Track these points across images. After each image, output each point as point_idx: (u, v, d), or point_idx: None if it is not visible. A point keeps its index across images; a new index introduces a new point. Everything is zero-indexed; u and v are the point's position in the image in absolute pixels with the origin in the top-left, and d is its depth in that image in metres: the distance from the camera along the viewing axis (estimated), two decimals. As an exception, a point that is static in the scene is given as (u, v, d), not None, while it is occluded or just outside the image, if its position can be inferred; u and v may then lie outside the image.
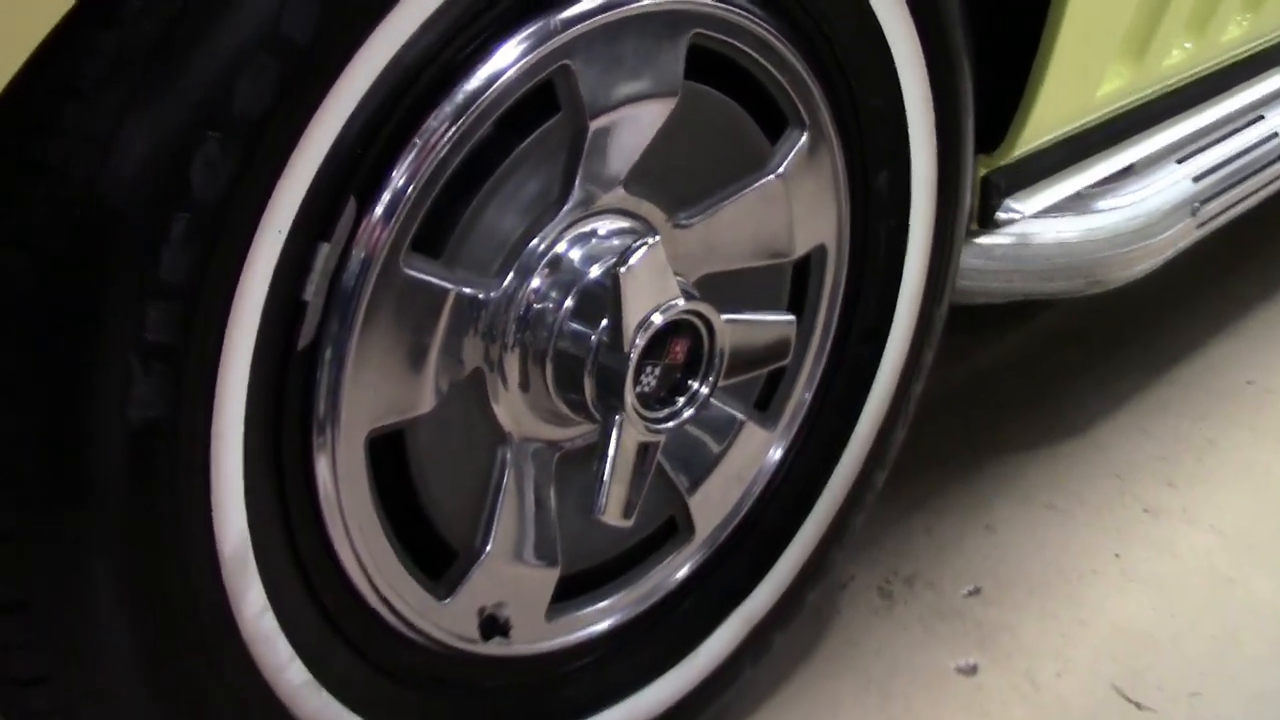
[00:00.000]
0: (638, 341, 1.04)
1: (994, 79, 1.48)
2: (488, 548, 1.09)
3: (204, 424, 0.84)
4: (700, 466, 1.26)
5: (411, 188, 0.94)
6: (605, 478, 1.07)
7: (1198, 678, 1.48)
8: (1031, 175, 1.64)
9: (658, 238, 1.03)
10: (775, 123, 1.20)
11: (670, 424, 1.10)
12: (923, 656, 1.51)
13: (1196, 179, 1.86)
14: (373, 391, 0.96)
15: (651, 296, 1.04)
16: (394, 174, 0.93)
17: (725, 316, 1.12)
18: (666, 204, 1.13)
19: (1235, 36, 1.87)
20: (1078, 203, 1.73)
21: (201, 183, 0.79)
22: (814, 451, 1.36)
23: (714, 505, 1.28)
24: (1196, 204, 1.85)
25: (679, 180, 1.14)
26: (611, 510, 1.07)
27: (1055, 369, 2.13)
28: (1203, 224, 1.88)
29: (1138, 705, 1.44)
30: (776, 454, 1.33)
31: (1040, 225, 1.68)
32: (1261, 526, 1.75)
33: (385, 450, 1.02)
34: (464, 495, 1.08)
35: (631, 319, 1.03)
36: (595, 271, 1.07)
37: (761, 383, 1.30)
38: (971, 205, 1.56)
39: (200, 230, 0.80)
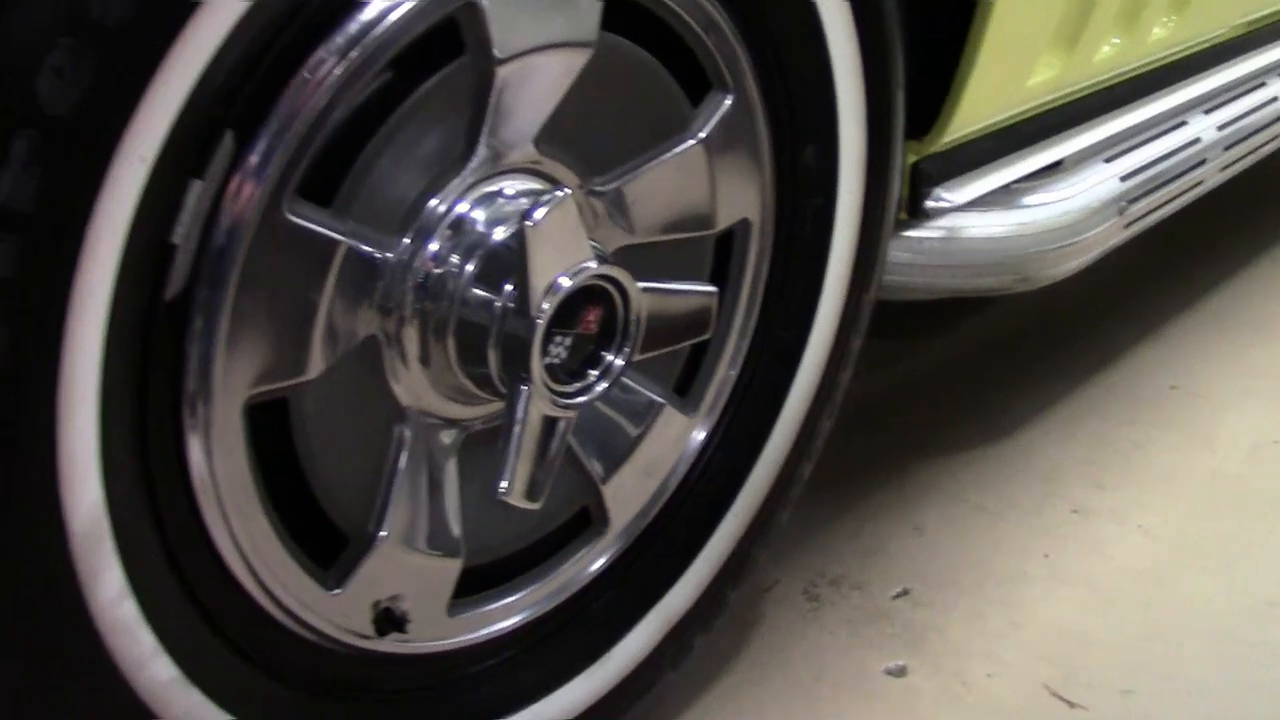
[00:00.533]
0: (545, 306, 0.94)
1: (926, 63, 1.41)
2: (382, 534, 0.98)
3: (49, 375, 0.73)
4: (615, 453, 1.15)
5: (297, 126, 0.83)
6: (511, 455, 0.96)
7: (1130, 675, 1.40)
8: (961, 165, 1.56)
9: (568, 191, 0.93)
10: (698, 85, 1.10)
11: (582, 398, 1.00)
12: (851, 659, 1.41)
13: (1124, 178, 1.79)
14: (251, 351, 0.85)
15: (561, 257, 0.94)
16: (278, 109, 0.82)
17: (642, 285, 1.02)
18: (581, 166, 1.03)
19: (1162, 38, 1.82)
20: (1006, 198, 1.65)
21: (49, 95, 0.68)
22: (737, 440, 1.27)
23: (630, 495, 1.18)
24: (1124, 203, 1.78)
25: (595, 141, 1.04)
26: (517, 491, 0.97)
27: (982, 373, 2.06)
28: (1130, 224, 1.82)
29: (1070, 704, 1.35)
30: (697, 442, 1.23)
31: (969, 220, 1.61)
32: (1190, 526, 1.68)
33: (269, 422, 0.90)
34: (357, 475, 0.97)
35: (539, 280, 0.93)
36: (501, 234, 0.96)
37: (681, 365, 1.20)
38: (901, 193, 1.49)
39: (47, 151, 0.69)
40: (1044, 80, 1.58)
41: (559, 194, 0.92)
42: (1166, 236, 2.54)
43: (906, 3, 1.26)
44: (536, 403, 0.96)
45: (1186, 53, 2.02)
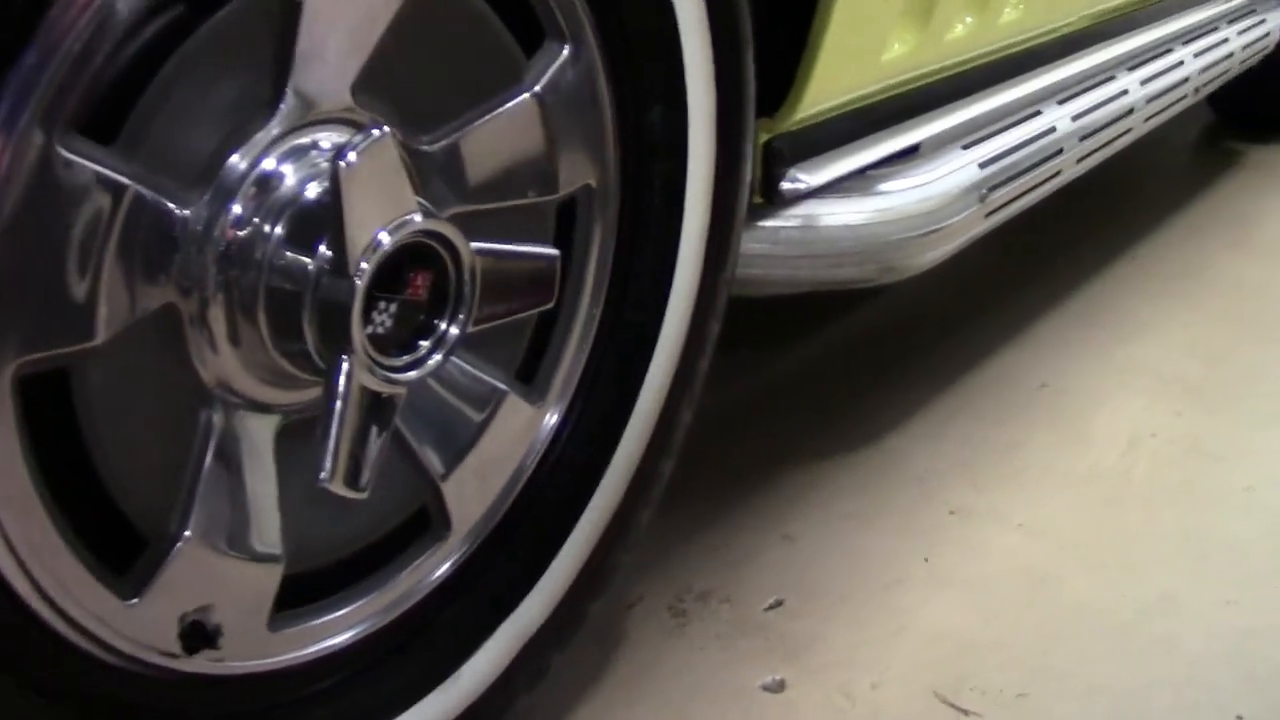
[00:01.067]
0: (364, 265, 0.86)
1: (776, 36, 1.37)
2: (186, 534, 0.89)
3: None
4: (455, 446, 1.07)
5: (70, 48, 0.75)
6: (332, 436, 0.88)
7: (1023, 678, 1.35)
8: (816, 146, 1.53)
9: (387, 130, 0.86)
10: (532, 34, 1.04)
11: (412, 373, 0.92)
12: (725, 676, 1.34)
13: (983, 165, 1.78)
14: (19, 308, 0.75)
15: (381, 208, 0.86)
16: (46, 27, 0.74)
17: (475, 245, 0.95)
18: (404, 121, 0.96)
19: (1012, 20, 1.81)
20: (864, 184, 1.62)
21: None
22: (589, 433, 1.19)
23: (473, 494, 1.10)
24: (984, 190, 1.76)
25: (418, 94, 0.97)
26: (340, 476, 0.88)
27: (847, 379, 2.02)
28: (991, 212, 1.80)
29: (964, 712, 1.30)
30: (545, 434, 1.16)
31: (827, 207, 1.57)
32: (1070, 523, 1.65)
33: (51, 402, 0.81)
34: (156, 467, 0.88)
35: (357, 233, 0.85)
36: (314, 191, 0.89)
37: (524, 349, 1.13)
38: (754, 174, 1.44)
39: None
40: (898, 57, 1.55)
41: (375, 133, 0.85)
42: (1028, 235, 2.56)
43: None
44: (359, 375, 0.88)
45: (1037, 41, 2.02)
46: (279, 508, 0.94)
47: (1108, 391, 2.02)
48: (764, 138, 1.44)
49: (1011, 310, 2.26)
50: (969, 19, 1.68)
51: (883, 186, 1.63)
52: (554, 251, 1.04)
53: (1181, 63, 2.48)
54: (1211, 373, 2.11)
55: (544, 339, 1.14)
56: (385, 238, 0.87)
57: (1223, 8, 2.83)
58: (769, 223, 1.52)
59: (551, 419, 1.16)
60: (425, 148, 0.98)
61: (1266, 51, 2.95)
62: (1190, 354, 2.16)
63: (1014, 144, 1.87)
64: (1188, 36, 2.60)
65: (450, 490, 1.07)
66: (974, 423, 1.89)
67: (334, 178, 0.83)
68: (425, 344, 0.93)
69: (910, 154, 1.72)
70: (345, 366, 0.87)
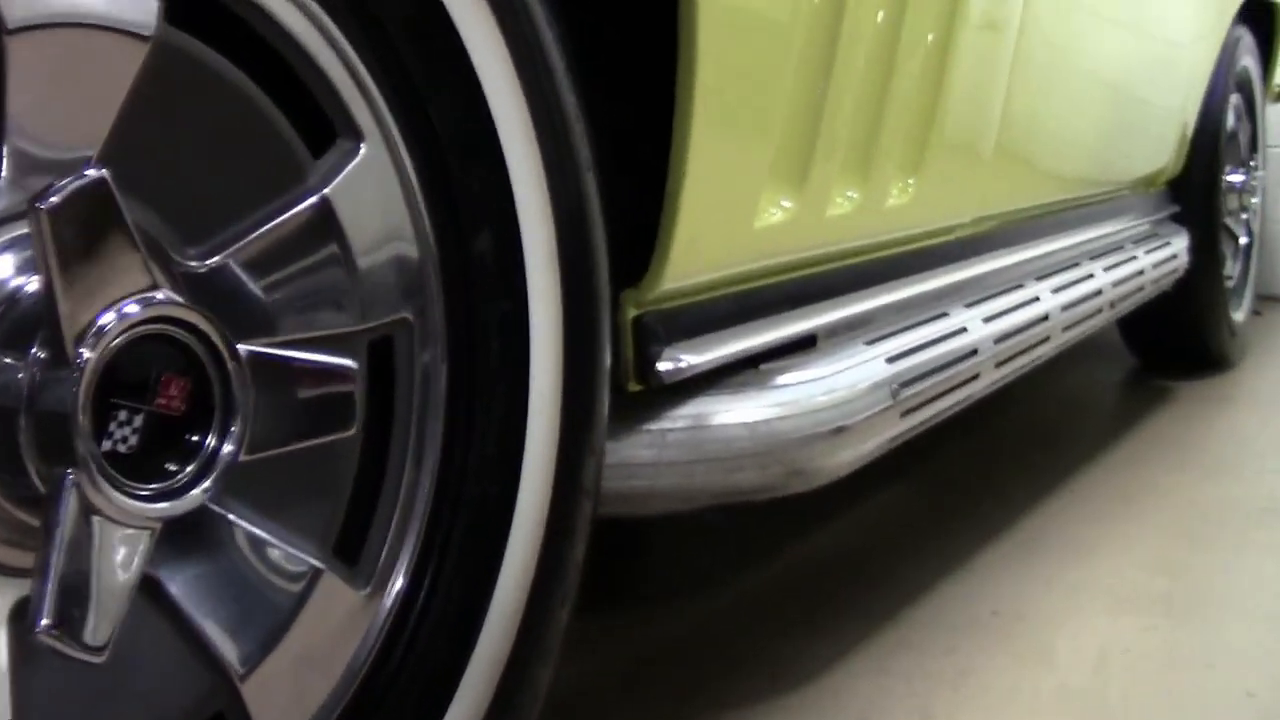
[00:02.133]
0: (84, 351, 0.70)
1: (635, 191, 1.27)
2: None
3: None
4: (257, 636, 0.89)
5: None
6: (50, 575, 0.70)
7: None
8: (696, 325, 1.41)
9: (104, 171, 0.71)
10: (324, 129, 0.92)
11: (166, 503, 0.75)
12: None
13: (890, 360, 1.66)
14: None
15: (104, 276, 0.71)
16: None
17: (248, 347, 0.79)
18: (169, 226, 0.82)
19: (900, 206, 1.73)
20: (760, 378, 1.49)
21: None
22: (439, 629, 1.01)
23: (283, 699, 0.90)
24: (894, 385, 1.64)
25: (188, 192, 0.84)
26: (62, 626, 0.70)
27: (772, 621, 1.84)
28: (908, 411, 1.67)
29: None
30: (381, 627, 0.97)
31: (719, 404, 1.44)
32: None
33: None
34: None
35: (74, 308, 0.70)
36: (35, 284, 0.74)
37: (342, 519, 0.95)
38: (626, 354, 1.31)
39: None
40: (775, 226, 1.45)
41: (90, 174, 0.71)
42: (959, 472, 2.44)
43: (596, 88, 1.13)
44: (91, 497, 0.71)
45: (934, 240, 1.95)
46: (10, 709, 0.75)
47: (1066, 613, 1.86)
48: (633, 312, 1.31)
49: (951, 543, 2.10)
50: (851, 194, 1.59)
51: (781, 379, 1.50)
52: (350, 363, 0.88)
53: (1092, 275, 2.43)
54: (1176, 585, 1.95)
55: (367, 508, 0.97)
56: (111, 319, 0.71)
57: (1127, 230, 2.81)
58: (654, 425, 1.39)
59: (386, 608, 0.98)
60: (195, 266, 0.83)
61: (1177, 275, 2.93)
62: (1148, 570, 2.01)
63: (922, 341, 1.76)
64: (1095, 253, 2.56)
65: (253, 692, 0.88)
66: (918, 655, 1.71)
67: (34, 227, 0.68)
68: (185, 470, 0.76)
69: (807, 349, 1.61)
70: (69, 484, 0.70)
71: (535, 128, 1.02)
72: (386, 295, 0.95)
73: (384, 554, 0.97)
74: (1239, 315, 3.40)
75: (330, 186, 0.90)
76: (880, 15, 1.53)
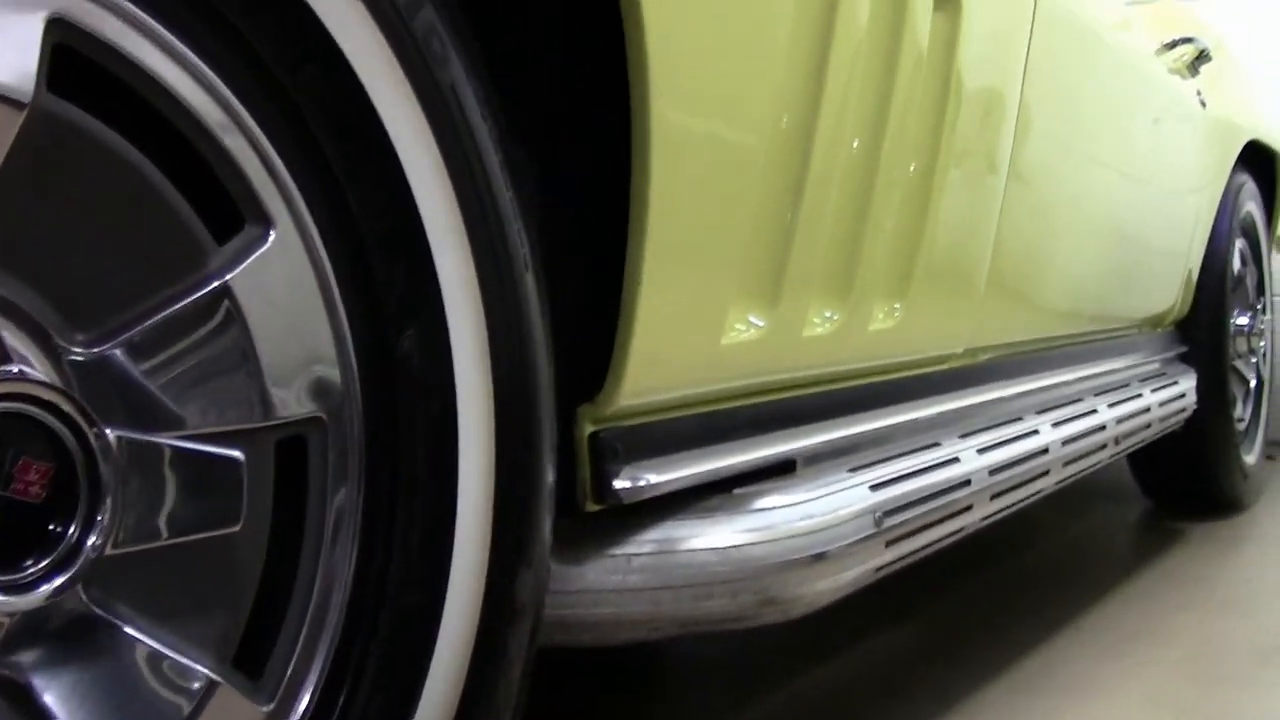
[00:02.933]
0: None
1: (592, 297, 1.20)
2: None
3: None
4: (138, 756, 0.80)
5: None
6: None
7: None
8: (661, 445, 1.32)
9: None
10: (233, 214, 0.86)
11: (19, 597, 0.67)
12: None
13: (875, 487, 1.57)
14: None
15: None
16: None
17: (119, 433, 0.72)
18: (54, 308, 0.75)
19: (887, 329, 1.65)
20: (733, 502, 1.41)
21: None
22: (351, 753, 0.91)
23: (169, 825, 0.81)
24: (878, 513, 1.55)
25: (76, 274, 0.77)
26: None
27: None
28: (892, 541, 1.58)
29: None
30: (281, 750, 0.88)
31: (689, 528, 1.35)
32: None
33: None
34: None
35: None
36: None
37: (243, 627, 0.87)
38: (582, 473, 1.23)
39: None
40: (744, 345, 1.37)
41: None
42: (961, 611, 2.33)
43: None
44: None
45: (925, 370, 1.87)
46: None
47: (1067, 754, 1.73)
48: (589, 428, 1.23)
49: (949, 683, 1.98)
50: (831, 315, 1.52)
51: (756, 504, 1.41)
52: (236, 454, 0.80)
53: (1095, 411, 2.34)
54: (1184, 725, 1.82)
55: (274, 617, 0.88)
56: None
57: (1133, 368, 2.73)
58: (619, 549, 1.30)
59: (291, 729, 0.88)
60: (80, 352, 0.76)
61: (1185, 414, 2.83)
62: (1154, 709, 1.88)
63: (910, 469, 1.67)
64: (1099, 389, 2.48)
65: (129, 817, 0.78)
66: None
67: None
68: (41, 562, 0.68)
69: (786, 474, 1.52)
70: (-113, 575, 0.62)
71: (466, 224, 0.96)
72: (295, 392, 0.87)
73: (291, 668, 0.88)
74: (1251, 458, 3.29)
75: (232, 274, 0.83)
76: (855, 143, 1.47)
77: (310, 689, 0.89)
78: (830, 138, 1.39)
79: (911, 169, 1.61)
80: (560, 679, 2.03)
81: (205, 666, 0.83)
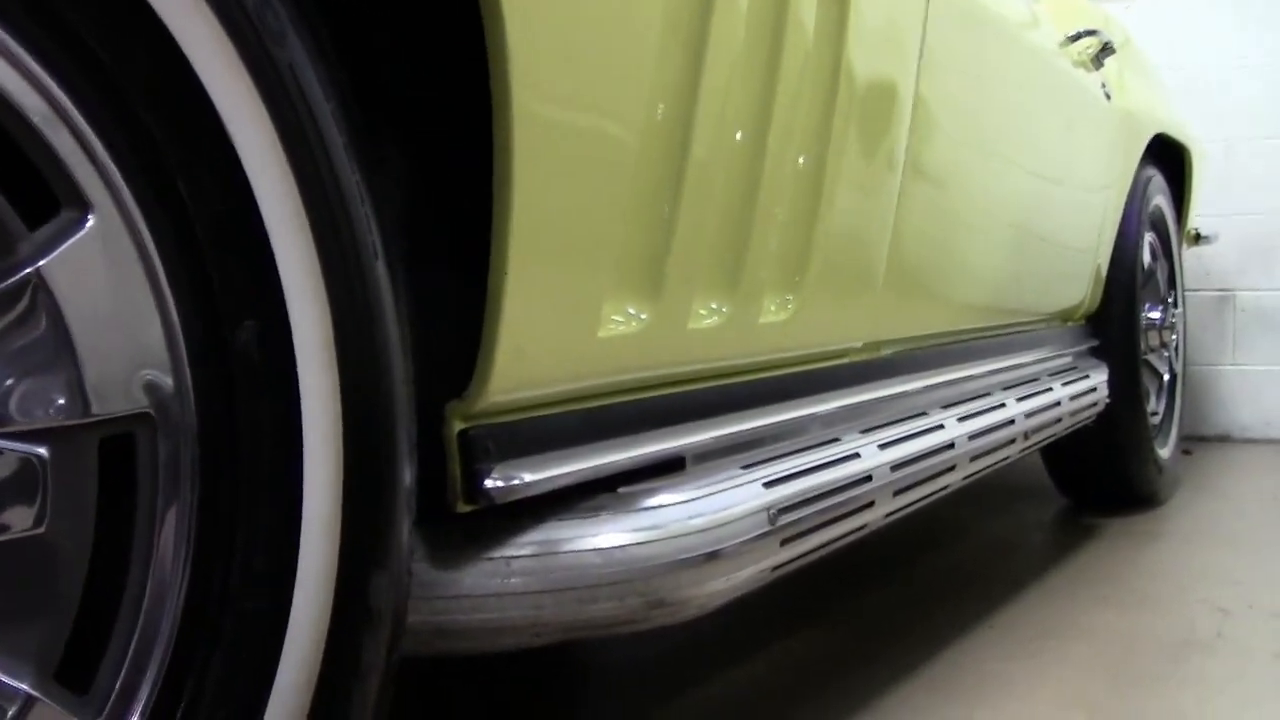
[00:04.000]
0: None
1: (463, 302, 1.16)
2: None
3: None
4: (-59, 778, 0.75)
5: None
6: None
7: None
8: (537, 442, 1.28)
9: None
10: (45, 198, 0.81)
11: None
12: None
13: (770, 484, 1.54)
14: None
15: None
16: None
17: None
18: None
19: (780, 322, 1.63)
20: (619, 501, 1.37)
21: None
22: (186, 772, 0.87)
23: None
24: (773, 510, 1.52)
25: None
26: None
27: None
28: (789, 539, 1.55)
29: None
30: (110, 767, 0.83)
31: (572, 529, 1.32)
32: None
33: None
34: None
35: None
36: None
37: (66, 638, 0.82)
38: (452, 472, 1.19)
39: None
40: (624, 338, 1.33)
41: None
42: (869, 610, 2.31)
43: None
44: None
45: (823, 364, 1.85)
46: None
47: (971, 756, 1.71)
48: (459, 425, 1.19)
49: (855, 685, 1.96)
50: (718, 307, 1.49)
51: (643, 502, 1.38)
52: (38, 452, 0.76)
53: (1004, 405, 2.32)
54: (1093, 722, 1.81)
55: (102, 626, 0.83)
56: None
57: (1042, 362, 2.72)
58: (497, 552, 1.27)
59: (121, 746, 0.83)
60: None
61: (1098, 408, 2.83)
62: (1065, 708, 1.86)
63: (807, 465, 1.64)
64: (1007, 383, 2.46)
65: (-69, 846, 0.73)
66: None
67: None
68: None
69: (675, 471, 1.49)
70: None
71: (307, 210, 0.92)
72: (118, 387, 0.82)
73: (120, 680, 0.83)
74: (1165, 452, 3.30)
75: (44, 261, 0.79)
76: (739, 135, 1.45)
77: (143, 702, 0.84)
78: (711, 129, 1.36)
79: (800, 162, 1.59)
80: (458, 685, 1.99)
81: (22, 681, 0.78)
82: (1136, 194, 3.13)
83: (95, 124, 0.82)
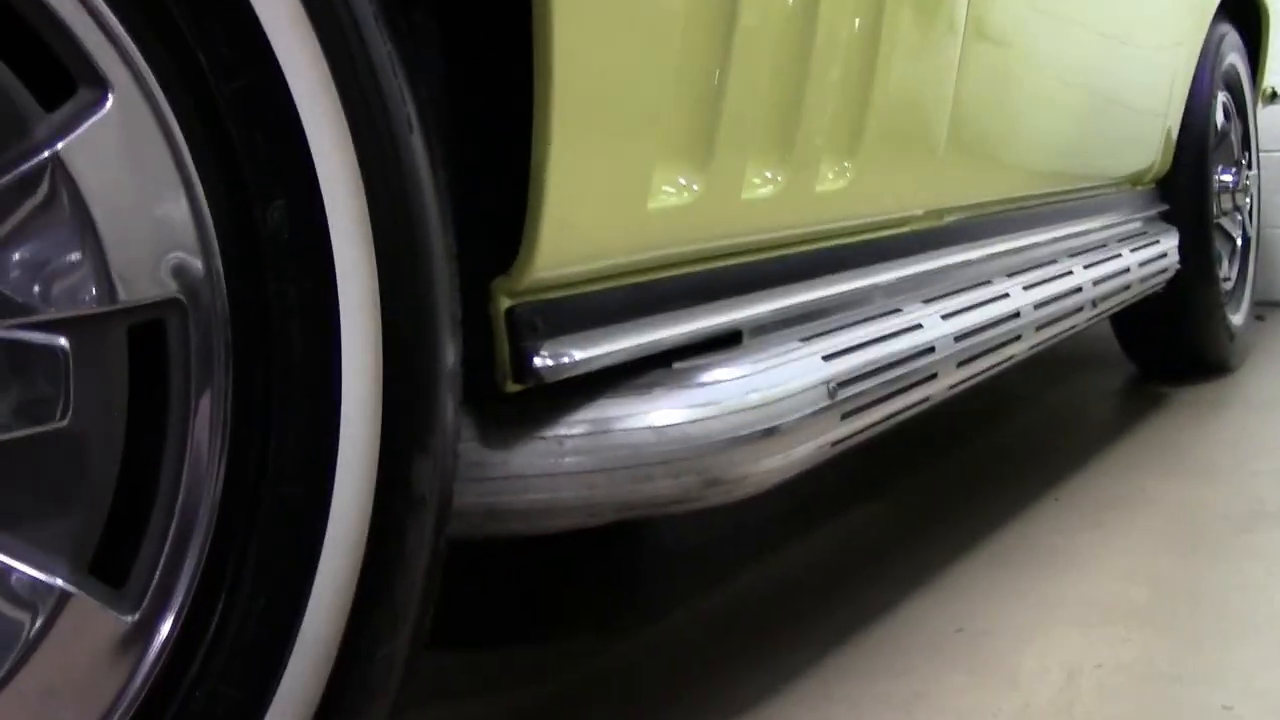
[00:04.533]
0: None
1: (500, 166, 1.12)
2: None
3: None
4: (-22, 671, 0.73)
5: None
6: None
7: None
8: (588, 319, 1.25)
9: None
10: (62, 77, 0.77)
11: None
12: None
13: (829, 357, 1.50)
14: None
15: None
16: None
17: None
18: None
19: (837, 190, 1.57)
20: (673, 377, 1.34)
21: None
22: (228, 660, 0.85)
23: (21, 744, 0.75)
24: (833, 384, 1.48)
25: None
26: None
27: (717, 649, 1.67)
28: (849, 413, 1.51)
29: None
30: (150, 658, 0.82)
31: (624, 407, 1.29)
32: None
33: None
34: None
35: None
36: None
37: (99, 531, 0.80)
38: (500, 351, 1.16)
39: None
40: (677, 207, 1.29)
41: None
42: (934, 481, 2.28)
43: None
44: None
45: (883, 233, 1.79)
46: None
47: (1037, 628, 1.68)
48: (506, 303, 1.16)
49: (921, 559, 1.93)
50: (772, 175, 1.43)
51: (698, 378, 1.34)
52: (59, 342, 0.73)
53: (1070, 272, 2.26)
54: (1158, 595, 1.78)
55: (136, 518, 0.81)
56: None
57: (1110, 228, 2.64)
58: (549, 431, 1.24)
59: (163, 636, 0.82)
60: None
61: (1167, 275, 2.76)
62: (1129, 580, 1.83)
63: (869, 338, 1.59)
64: (1074, 250, 2.40)
65: (-29, 740, 0.72)
66: (866, 681, 1.53)
67: None
68: None
69: (731, 346, 1.45)
70: None
71: (336, 81, 0.87)
72: (146, 273, 0.79)
73: (158, 572, 0.82)
74: (1237, 318, 3.22)
75: (63, 144, 0.75)
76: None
77: (182, 593, 0.83)
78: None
79: (856, 23, 1.52)
80: (524, 570, 1.98)
81: (56, 575, 0.76)
82: (1209, 52, 3.01)
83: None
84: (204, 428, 0.83)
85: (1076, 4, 2.26)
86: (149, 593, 0.81)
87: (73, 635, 0.77)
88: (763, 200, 1.43)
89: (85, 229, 0.76)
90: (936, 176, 1.84)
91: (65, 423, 0.74)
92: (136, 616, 0.80)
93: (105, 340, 0.78)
